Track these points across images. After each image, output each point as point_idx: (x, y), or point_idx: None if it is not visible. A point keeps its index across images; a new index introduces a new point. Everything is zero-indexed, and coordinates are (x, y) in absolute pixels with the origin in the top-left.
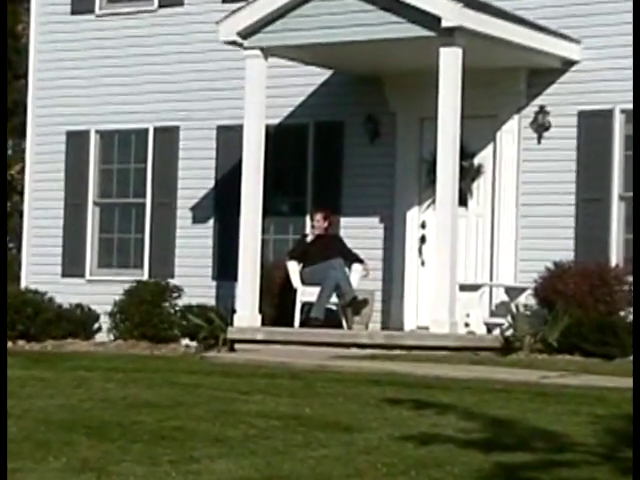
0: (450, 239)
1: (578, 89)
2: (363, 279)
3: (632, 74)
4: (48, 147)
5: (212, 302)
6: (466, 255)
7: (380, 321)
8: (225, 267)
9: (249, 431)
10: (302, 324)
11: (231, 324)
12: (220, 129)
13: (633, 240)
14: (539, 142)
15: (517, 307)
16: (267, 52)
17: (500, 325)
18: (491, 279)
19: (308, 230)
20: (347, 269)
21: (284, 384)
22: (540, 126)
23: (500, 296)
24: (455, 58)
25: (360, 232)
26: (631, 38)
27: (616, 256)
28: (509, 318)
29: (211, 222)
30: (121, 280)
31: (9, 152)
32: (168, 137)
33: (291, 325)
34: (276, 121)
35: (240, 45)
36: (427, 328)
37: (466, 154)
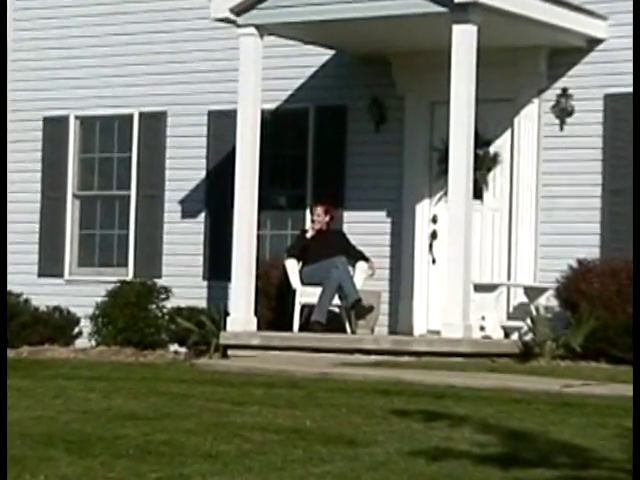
0: (464, 235)
1: (604, 70)
2: (368, 279)
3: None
4: (23, 134)
5: (203, 304)
6: (481, 252)
7: (387, 325)
8: (217, 266)
9: (244, 446)
10: (302, 328)
11: (224, 328)
12: (212, 114)
13: (633, 239)
14: (561, 128)
15: (537, 309)
16: (263, 30)
17: (519, 329)
18: (509, 278)
19: (308, 225)
20: (351, 268)
21: (282, 394)
22: (562, 111)
23: (518, 297)
24: (469, 36)
25: (365, 227)
26: None
27: None
28: (528, 321)
29: (202, 216)
30: (103, 280)
31: None
32: (155, 123)
33: (290, 329)
34: (273, 106)
35: (233, 22)
36: (438, 332)
37: (481, 142)
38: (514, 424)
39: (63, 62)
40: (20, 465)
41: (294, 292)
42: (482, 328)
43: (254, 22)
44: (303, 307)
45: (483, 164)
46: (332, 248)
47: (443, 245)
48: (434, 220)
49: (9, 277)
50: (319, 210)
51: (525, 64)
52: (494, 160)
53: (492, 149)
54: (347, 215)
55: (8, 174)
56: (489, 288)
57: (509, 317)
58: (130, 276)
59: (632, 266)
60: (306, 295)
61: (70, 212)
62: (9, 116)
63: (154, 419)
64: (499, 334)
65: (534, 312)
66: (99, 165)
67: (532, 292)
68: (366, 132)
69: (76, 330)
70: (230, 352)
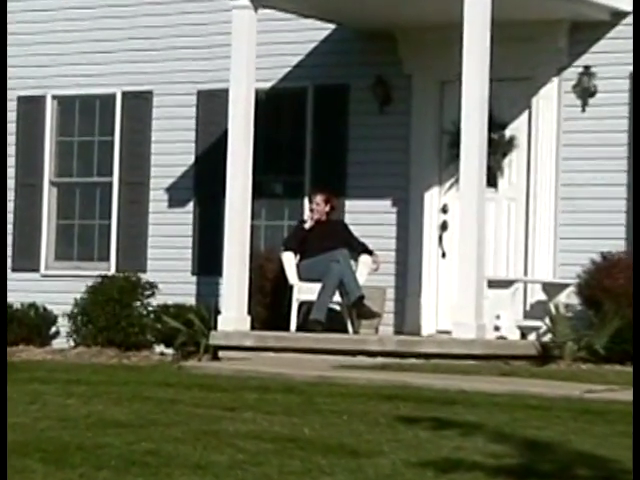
0: (476, 226)
1: (630, 46)
2: (372, 274)
3: None
4: None
5: (192, 301)
6: (496, 245)
7: (393, 324)
8: (207, 259)
9: (237, 456)
10: (299, 327)
11: (215, 328)
12: (201, 94)
13: (633, 237)
14: (583, 110)
15: (557, 307)
16: (257, 2)
17: (536, 329)
18: (525, 274)
19: (306, 215)
20: (353, 262)
21: (278, 399)
22: (584, 91)
23: (536, 294)
24: (482, 9)
25: (369, 217)
26: None
27: None
28: (547, 320)
29: (191, 205)
30: (83, 275)
31: None
32: (139, 103)
33: (286, 329)
34: (268, 85)
35: None
36: (449, 332)
37: (496, 124)
38: (531, 433)
39: (39, 36)
40: None
41: (291, 288)
42: (496, 328)
43: None
44: (301, 304)
45: (498, 149)
46: (333, 240)
47: (454, 237)
48: (444, 210)
49: None
50: (318, 199)
51: (544, 39)
52: (510, 144)
53: (508, 132)
54: (349, 204)
55: None
56: (504, 284)
57: (526, 316)
58: (112, 271)
59: None
60: (304, 291)
61: (47, 201)
62: None
63: (138, 427)
64: (515, 334)
65: (553, 311)
66: (78, 149)
67: (551, 289)
68: (370, 114)
69: (53, 329)
70: (221, 353)
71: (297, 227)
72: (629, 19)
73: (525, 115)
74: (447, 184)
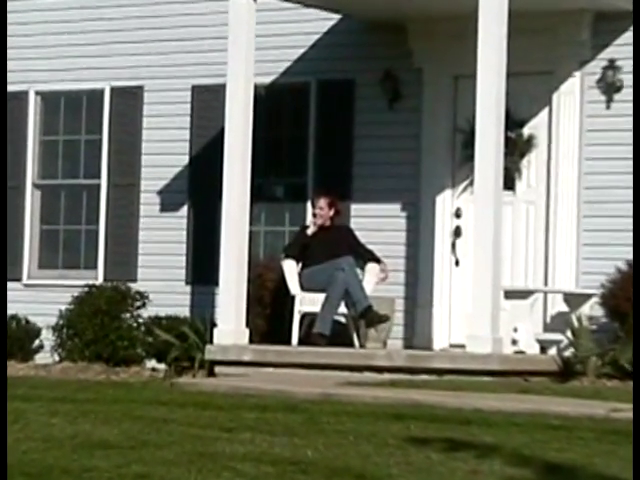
0: (492, 231)
1: None
2: (380, 283)
3: None
4: None
5: (186, 313)
6: (513, 252)
7: (402, 337)
8: (203, 268)
9: (234, 479)
10: (302, 341)
11: (210, 341)
12: (196, 90)
13: (633, 239)
14: (608, 106)
15: (579, 319)
16: None
17: (557, 343)
18: (545, 283)
19: (309, 220)
20: (359, 270)
21: (279, 419)
22: (609, 86)
23: (557, 305)
24: None
25: (376, 222)
26: None
27: None
28: (569, 334)
29: (185, 210)
30: (68, 285)
31: None
32: (129, 100)
33: (288, 343)
34: (268, 80)
35: None
36: (463, 346)
37: (513, 122)
38: (552, 455)
39: (20, 27)
40: None
41: (293, 299)
42: (514, 342)
43: None
44: (303, 316)
45: (515, 149)
46: (337, 247)
47: (468, 244)
48: (457, 214)
49: None
50: (322, 202)
51: (565, 31)
52: (528, 144)
53: (526, 131)
54: (355, 208)
55: None
56: (522, 295)
57: (546, 329)
58: (100, 280)
59: None
60: (307, 302)
61: (30, 204)
62: None
63: (128, 448)
64: (534, 349)
65: (575, 323)
66: (64, 149)
67: (573, 299)
68: (377, 111)
69: (36, 343)
70: (217, 369)
71: (299, 233)
72: None
73: (545, 112)
74: (461, 186)
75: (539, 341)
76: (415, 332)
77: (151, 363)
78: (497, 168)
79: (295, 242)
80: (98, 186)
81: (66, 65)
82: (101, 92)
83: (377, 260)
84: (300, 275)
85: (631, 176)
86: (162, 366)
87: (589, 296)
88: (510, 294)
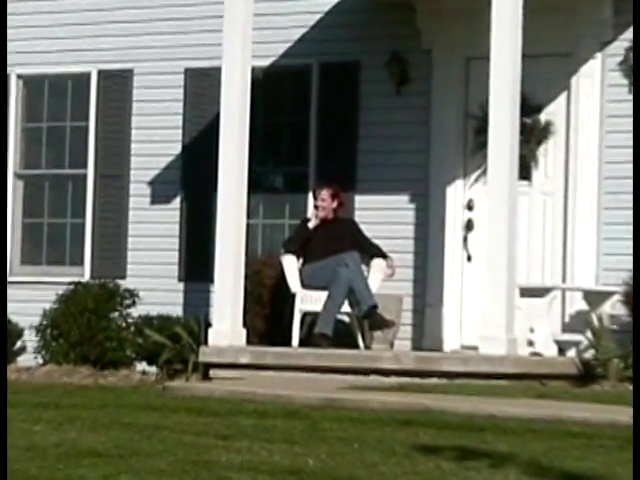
0: (507, 225)
1: None
2: (386, 280)
3: None
4: None
5: (179, 312)
6: (529, 247)
7: (410, 338)
8: (197, 264)
9: None
10: (303, 342)
11: (205, 342)
12: (190, 73)
13: (633, 239)
14: (630, 90)
15: (600, 319)
16: None
17: (577, 344)
18: (564, 280)
19: (310, 213)
20: (364, 267)
21: (278, 425)
22: (632, 68)
23: (576, 304)
24: None
25: (382, 215)
26: None
27: None
28: (589, 334)
29: (177, 201)
30: (53, 282)
31: None
32: (118, 84)
33: (288, 344)
34: (267, 62)
35: None
36: (475, 348)
37: (529, 107)
38: (571, 464)
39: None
40: None
41: (293, 297)
42: (530, 343)
43: None
44: (304, 316)
45: (532, 136)
46: (340, 241)
47: (481, 238)
48: (470, 206)
49: None
50: (324, 194)
51: (585, 9)
52: (545, 130)
53: (543, 117)
54: (359, 200)
55: None
56: (539, 292)
57: (564, 329)
58: (86, 277)
59: None
60: (308, 301)
61: (11, 196)
62: None
63: (117, 457)
64: (552, 350)
65: (596, 323)
66: (47, 137)
67: (594, 297)
68: (384, 95)
69: (18, 344)
70: (212, 372)
71: (300, 226)
72: None
73: (563, 97)
74: (473, 176)
75: (557, 342)
76: (424, 332)
77: (141, 366)
78: (512, 157)
79: (295, 236)
80: (84, 176)
81: (50, 46)
82: (88, 76)
83: (383, 255)
84: (301, 271)
85: None
86: (153, 369)
87: (610, 294)
88: (526, 292)
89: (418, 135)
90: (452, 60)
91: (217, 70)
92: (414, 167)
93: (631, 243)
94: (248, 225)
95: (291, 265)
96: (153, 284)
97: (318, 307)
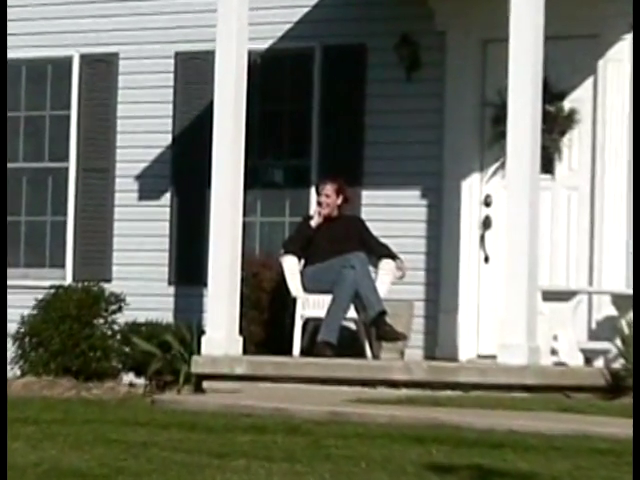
0: (528, 223)
1: None
2: (396, 283)
3: None
4: None
5: (169, 318)
6: (552, 247)
7: (423, 346)
8: (188, 266)
9: None
10: (305, 351)
11: (198, 351)
12: (180, 57)
13: (633, 239)
14: None
15: (630, 325)
16: None
17: (605, 353)
18: (590, 283)
19: (313, 210)
20: (372, 268)
21: (278, 442)
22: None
23: (604, 309)
24: None
25: (392, 212)
26: None
27: None
28: (618, 342)
29: (167, 197)
30: (32, 286)
31: None
32: (102, 69)
33: (289, 353)
34: (264, 45)
35: None
36: (494, 357)
37: (552, 94)
38: None
39: None
40: None
41: (294, 302)
42: (554, 351)
43: None
44: (306, 322)
45: (555, 125)
46: (346, 241)
47: (499, 237)
48: (487, 202)
49: None
50: (328, 189)
51: None
52: (570, 119)
53: (567, 104)
54: (366, 196)
55: None
56: (564, 296)
57: (591, 336)
58: (68, 280)
59: None
60: (310, 306)
61: None
62: None
63: (102, 477)
64: (577, 360)
65: (626, 329)
66: (26, 127)
67: (623, 302)
68: (393, 81)
69: None
70: (206, 384)
71: (301, 225)
72: None
73: (589, 82)
74: (491, 169)
75: (583, 351)
76: (438, 340)
77: (128, 377)
78: (533, 148)
79: (296, 235)
80: (66, 170)
81: (28, 28)
82: (69, 60)
83: (392, 256)
84: (302, 274)
85: None
86: (141, 381)
87: None
88: (549, 296)
89: (431, 125)
90: (468, 43)
91: (210, 54)
92: (426, 159)
93: None
94: (245, 223)
95: (292, 267)
96: (141, 288)
97: (321, 313)
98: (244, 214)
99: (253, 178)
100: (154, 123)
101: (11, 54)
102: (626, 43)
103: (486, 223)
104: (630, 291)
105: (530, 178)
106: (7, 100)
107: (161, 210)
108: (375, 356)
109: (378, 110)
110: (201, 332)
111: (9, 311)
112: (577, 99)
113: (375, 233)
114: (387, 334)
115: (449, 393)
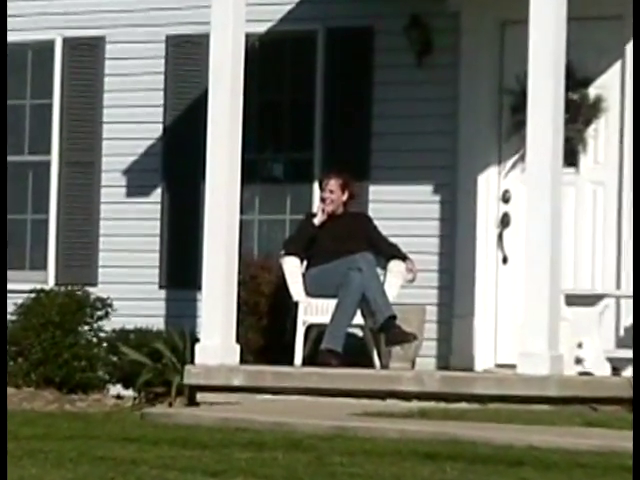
0: (550, 220)
1: None
2: (406, 286)
3: None
4: None
5: (160, 325)
6: (576, 247)
7: (435, 355)
8: (181, 268)
9: None
10: (307, 360)
11: (191, 361)
12: (171, 41)
13: (633, 239)
14: None
15: None
16: None
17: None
18: (618, 286)
19: (316, 207)
20: (380, 270)
21: (279, 459)
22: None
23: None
24: None
25: (401, 209)
26: None
27: None
28: None
29: (157, 194)
30: (11, 290)
31: None
32: (87, 54)
33: (290, 362)
34: (263, 28)
35: None
36: (513, 367)
37: (576, 80)
38: None
39: None
40: None
41: (296, 306)
42: (578, 360)
43: None
44: (309, 328)
45: (579, 114)
46: (352, 240)
47: (519, 236)
48: (505, 198)
49: None
50: (333, 184)
51: None
52: (595, 108)
53: (592, 91)
54: (374, 191)
55: None
56: (589, 301)
57: (619, 344)
58: (50, 283)
59: None
60: (313, 311)
61: None
62: None
63: None
64: (604, 369)
65: None
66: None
67: None
68: (403, 67)
69: None
70: (200, 396)
71: (303, 223)
72: None
73: (616, 68)
74: (509, 163)
75: (610, 359)
76: (452, 349)
77: (116, 389)
78: (555, 139)
79: (298, 235)
80: (48, 164)
81: (9, 10)
82: (51, 44)
83: (402, 257)
84: (305, 276)
85: None
86: (130, 393)
87: None
88: (573, 300)
89: (443, 114)
90: (484, 24)
91: (205, 37)
92: (439, 152)
93: None
94: (242, 222)
95: (293, 269)
96: (129, 292)
97: (325, 318)
98: (241, 212)
99: (251, 173)
100: (143, 113)
101: None
102: None
103: (504, 221)
104: None
105: (552, 172)
106: None
107: (151, 207)
108: (384, 365)
109: (386, 98)
110: (195, 340)
111: None
112: (603, 85)
113: (383, 232)
114: (396, 336)
115: (464, 406)
